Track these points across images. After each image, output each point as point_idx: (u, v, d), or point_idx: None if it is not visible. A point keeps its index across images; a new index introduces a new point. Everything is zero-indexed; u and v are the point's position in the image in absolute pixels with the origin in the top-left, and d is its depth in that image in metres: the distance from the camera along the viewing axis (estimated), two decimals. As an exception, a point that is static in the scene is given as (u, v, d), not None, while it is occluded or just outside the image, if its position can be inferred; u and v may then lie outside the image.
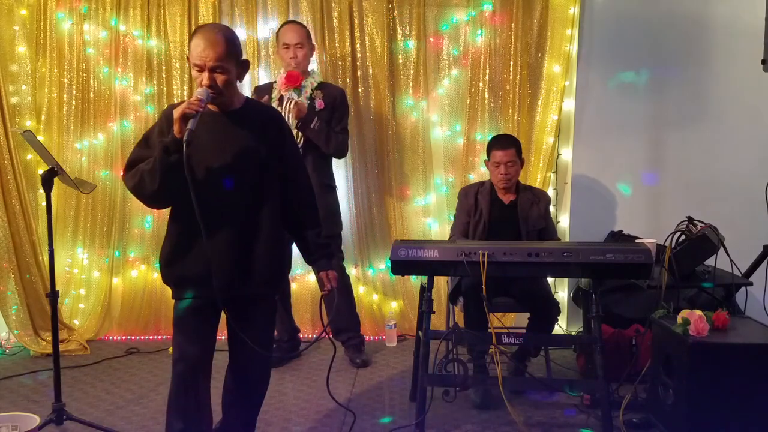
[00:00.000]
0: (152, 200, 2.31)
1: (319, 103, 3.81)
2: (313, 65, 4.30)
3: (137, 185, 2.25)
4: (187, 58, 2.30)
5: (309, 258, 2.59)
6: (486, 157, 3.72)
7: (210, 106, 2.29)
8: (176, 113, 2.13)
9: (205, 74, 2.21)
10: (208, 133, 2.28)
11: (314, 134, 3.75)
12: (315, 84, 3.86)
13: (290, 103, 3.73)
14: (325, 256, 2.56)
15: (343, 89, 4.07)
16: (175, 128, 2.14)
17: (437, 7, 4.36)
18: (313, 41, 3.99)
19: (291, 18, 4.30)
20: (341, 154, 3.97)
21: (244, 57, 2.36)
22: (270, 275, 2.40)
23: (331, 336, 4.14)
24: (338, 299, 3.97)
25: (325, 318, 2.63)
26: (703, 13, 4.24)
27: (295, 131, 3.72)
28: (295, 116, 3.71)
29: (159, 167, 2.18)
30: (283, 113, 3.68)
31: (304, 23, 4.30)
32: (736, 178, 4.24)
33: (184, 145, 2.11)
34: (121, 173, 2.36)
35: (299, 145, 3.73)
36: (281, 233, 2.45)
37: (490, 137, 3.89)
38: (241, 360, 2.49)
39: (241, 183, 2.30)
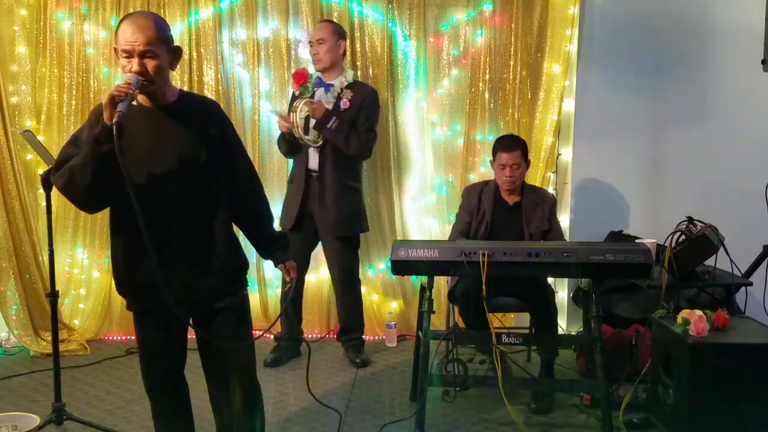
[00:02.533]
0: (85, 199, 2.15)
1: (344, 103, 3.78)
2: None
3: (68, 183, 2.08)
4: (114, 50, 2.15)
5: (264, 252, 2.46)
6: (491, 157, 3.70)
7: (143, 101, 2.16)
8: (105, 99, 1.98)
9: (135, 60, 2.07)
10: (143, 131, 2.15)
11: (331, 134, 3.73)
12: (345, 83, 3.85)
13: (302, 102, 3.72)
14: (281, 248, 2.44)
15: (376, 90, 4.03)
16: (105, 115, 1.97)
17: (437, 7, 4.36)
18: (339, 38, 3.88)
19: (291, 18, 4.31)
20: (364, 155, 3.93)
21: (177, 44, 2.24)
22: (228, 272, 2.29)
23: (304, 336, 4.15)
24: (346, 301, 4.02)
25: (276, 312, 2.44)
26: (703, 13, 4.24)
27: (315, 132, 3.73)
28: (312, 116, 3.70)
29: (90, 159, 2.02)
30: (291, 113, 3.69)
31: (304, 23, 4.32)
32: (736, 178, 4.24)
33: (114, 128, 1.95)
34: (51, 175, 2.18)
35: (317, 144, 3.76)
36: (231, 229, 2.34)
37: (496, 138, 3.85)
38: (220, 382, 2.33)
39: (184, 183, 2.18)
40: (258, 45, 4.36)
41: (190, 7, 4.29)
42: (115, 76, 4.32)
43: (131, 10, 4.24)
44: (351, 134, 3.77)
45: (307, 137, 3.78)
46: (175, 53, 2.21)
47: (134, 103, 2.09)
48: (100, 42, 4.32)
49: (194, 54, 4.32)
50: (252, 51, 4.35)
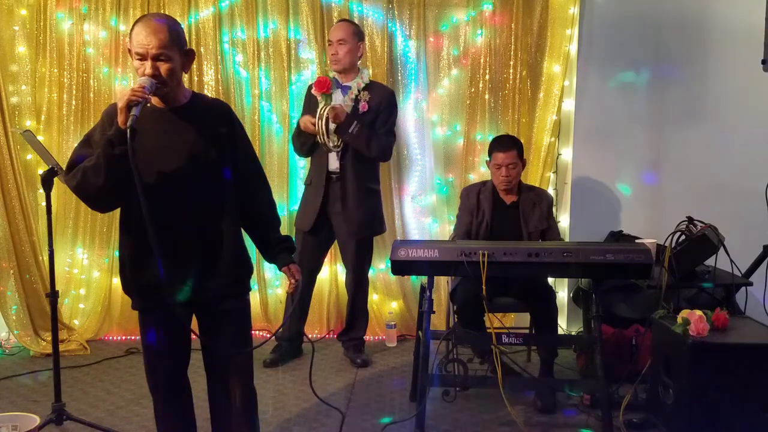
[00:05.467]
0: (97, 199, 2.18)
1: (362, 106, 3.73)
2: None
3: (80, 183, 2.11)
4: (129, 51, 2.17)
5: (269, 254, 2.45)
6: (487, 158, 3.71)
7: (155, 102, 2.18)
8: (121, 103, 2.01)
9: (148, 63, 2.09)
10: (155, 132, 2.17)
11: (353, 139, 3.68)
12: (362, 85, 3.80)
13: (326, 108, 3.61)
14: (286, 250, 2.44)
15: (392, 90, 4.01)
16: (120, 119, 2.01)
17: (437, 7, 4.36)
18: (359, 40, 3.83)
19: (291, 18, 4.31)
20: (385, 157, 3.91)
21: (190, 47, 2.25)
22: (235, 274, 2.30)
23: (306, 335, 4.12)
24: (358, 301, 4.01)
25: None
26: (703, 13, 4.24)
27: (335, 137, 3.67)
28: (332, 121, 3.62)
29: (104, 161, 2.05)
30: (318, 120, 3.60)
31: (304, 23, 4.33)
32: (736, 178, 4.24)
33: (128, 131, 1.98)
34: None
35: (339, 148, 3.71)
36: (240, 231, 2.35)
37: (492, 138, 3.87)
38: (219, 384, 2.35)
39: (195, 184, 2.20)
40: (258, 45, 4.36)
41: (190, 7, 4.29)
42: (115, 76, 4.32)
43: (131, 11, 4.27)
44: (372, 138, 3.73)
45: (328, 142, 3.68)
46: (188, 56, 2.22)
47: (147, 104, 2.10)
48: (100, 42, 4.32)
49: (194, 54, 4.32)
50: (252, 51, 4.35)
